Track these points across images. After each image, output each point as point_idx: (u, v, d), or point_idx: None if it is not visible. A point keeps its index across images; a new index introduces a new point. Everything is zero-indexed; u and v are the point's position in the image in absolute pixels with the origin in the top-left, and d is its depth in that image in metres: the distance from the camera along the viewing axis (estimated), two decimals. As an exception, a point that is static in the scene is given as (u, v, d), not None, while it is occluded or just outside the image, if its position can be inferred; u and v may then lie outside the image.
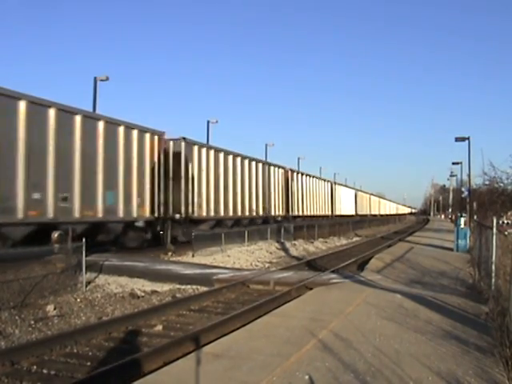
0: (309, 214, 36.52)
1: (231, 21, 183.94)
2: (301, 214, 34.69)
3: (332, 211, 43.81)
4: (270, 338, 6.09)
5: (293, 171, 33.77)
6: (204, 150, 21.17)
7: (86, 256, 11.60)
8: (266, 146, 42.82)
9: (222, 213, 22.53)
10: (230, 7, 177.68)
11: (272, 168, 29.69)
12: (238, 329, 6.92)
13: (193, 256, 17.28)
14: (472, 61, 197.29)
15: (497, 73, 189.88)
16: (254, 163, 26.65)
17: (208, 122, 32.36)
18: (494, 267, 8.36)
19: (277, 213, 30.21)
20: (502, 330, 5.72)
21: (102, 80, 21.98)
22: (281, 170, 31.19)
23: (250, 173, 25.92)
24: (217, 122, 32.84)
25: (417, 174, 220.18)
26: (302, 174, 35.86)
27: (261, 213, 27.39)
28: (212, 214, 21.59)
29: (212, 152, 21.84)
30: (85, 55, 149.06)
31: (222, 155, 22.76)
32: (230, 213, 23.46)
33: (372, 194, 71.93)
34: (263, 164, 28.47)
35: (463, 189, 38.26)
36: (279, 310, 8.05)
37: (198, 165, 20.48)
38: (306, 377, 4.64)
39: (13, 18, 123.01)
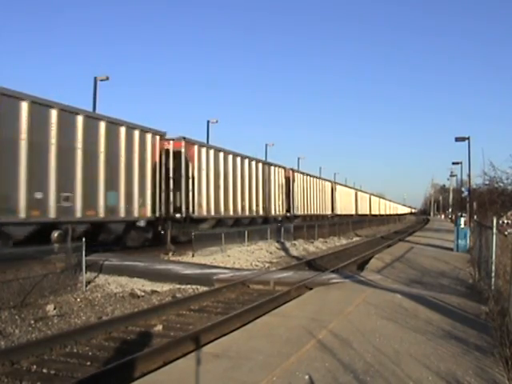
0: (310, 213, 36.56)
1: (231, 21, 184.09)
2: (302, 213, 34.72)
3: (333, 211, 43.98)
4: (269, 337, 6.08)
5: (294, 171, 33.80)
6: (204, 150, 21.24)
7: (86, 256, 11.60)
8: (266, 145, 42.91)
9: (222, 212, 22.53)
10: (231, 9, 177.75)
11: (273, 168, 29.72)
12: (237, 329, 6.92)
13: (193, 256, 17.28)
14: (472, 61, 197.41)
15: (497, 73, 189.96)
16: (254, 163, 26.66)
17: (208, 122, 32.41)
18: (493, 267, 8.36)
19: (278, 212, 30.22)
20: (502, 330, 5.71)
21: (102, 80, 22.00)
22: (281, 170, 31.23)
23: (250, 172, 25.93)
24: (217, 121, 32.90)
25: (417, 173, 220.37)
26: (303, 174, 35.85)
27: (261, 212, 27.35)
28: (212, 213, 21.62)
29: (212, 151, 21.92)
30: (84, 55, 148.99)
31: (221, 155, 22.79)
32: (231, 212, 23.49)
33: (372, 194, 71.97)
34: (263, 164, 28.49)
35: (463, 189, 38.21)
36: (279, 309, 8.05)
37: (198, 164, 20.51)
38: (306, 377, 4.64)
39: (13, 17, 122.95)
